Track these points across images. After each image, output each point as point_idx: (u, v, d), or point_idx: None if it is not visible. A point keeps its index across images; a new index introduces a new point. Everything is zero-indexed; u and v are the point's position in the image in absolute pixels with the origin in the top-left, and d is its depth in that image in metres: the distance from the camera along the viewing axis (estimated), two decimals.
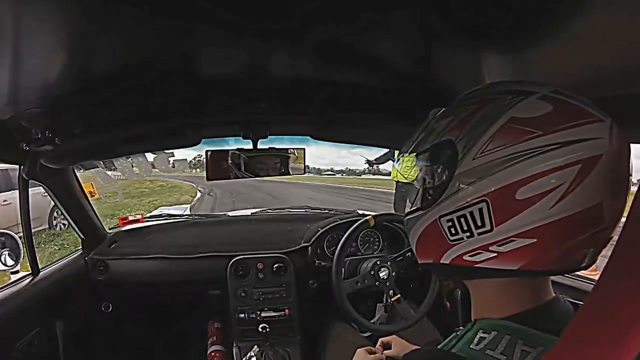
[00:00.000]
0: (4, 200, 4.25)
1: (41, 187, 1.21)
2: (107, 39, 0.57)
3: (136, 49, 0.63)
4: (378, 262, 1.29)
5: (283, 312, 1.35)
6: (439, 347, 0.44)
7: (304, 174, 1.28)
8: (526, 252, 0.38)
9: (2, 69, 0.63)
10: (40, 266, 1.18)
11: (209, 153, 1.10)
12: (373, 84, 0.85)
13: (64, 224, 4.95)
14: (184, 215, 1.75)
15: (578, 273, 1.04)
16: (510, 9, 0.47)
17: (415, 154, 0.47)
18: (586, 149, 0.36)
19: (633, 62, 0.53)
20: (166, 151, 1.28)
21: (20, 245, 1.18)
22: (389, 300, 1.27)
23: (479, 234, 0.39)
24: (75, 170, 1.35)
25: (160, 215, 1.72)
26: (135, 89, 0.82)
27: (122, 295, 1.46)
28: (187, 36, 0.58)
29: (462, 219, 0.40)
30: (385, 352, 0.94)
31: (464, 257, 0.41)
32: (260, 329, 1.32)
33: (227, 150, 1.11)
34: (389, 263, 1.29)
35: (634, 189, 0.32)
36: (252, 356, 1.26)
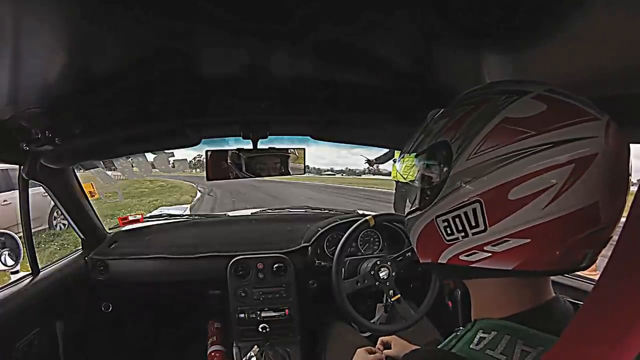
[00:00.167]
0: (4, 200, 4.25)
1: (41, 187, 1.21)
2: (107, 39, 0.57)
3: (136, 49, 0.63)
4: (378, 262, 1.29)
5: (283, 312, 1.35)
6: (439, 347, 0.44)
7: (304, 174, 1.28)
8: (521, 252, 0.38)
9: (2, 69, 0.63)
10: (40, 266, 1.18)
11: (209, 153, 1.10)
12: (373, 84, 0.85)
13: (64, 224, 4.95)
14: (184, 215, 1.75)
15: (578, 273, 1.04)
16: (511, 9, 0.47)
17: (413, 154, 0.48)
18: (580, 148, 0.36)
19: (633, 62, 0.53)
20: (166, 151, 1.28)
21: (20, 245, 1.18)
22: (389, 300, 1.27)
23: (474, 234, 0.40)
24: (75, 170, 1.35)
25: (160, 215, 1.72)
26: (136, 89, 0.82)
27: (122, 295, 1.46)
28: (187, 36, 0.58)
29: (457, 219, 0.40)
30: (385, 352, 0.94)
31: (460, 257, 0.41)
32: (260, 329, 1.32)
33: (227, 150, 1.11)
34: (389, 263, 1.29)
35: (633, 189, 0.32)
36: (252, 356, 1.26)
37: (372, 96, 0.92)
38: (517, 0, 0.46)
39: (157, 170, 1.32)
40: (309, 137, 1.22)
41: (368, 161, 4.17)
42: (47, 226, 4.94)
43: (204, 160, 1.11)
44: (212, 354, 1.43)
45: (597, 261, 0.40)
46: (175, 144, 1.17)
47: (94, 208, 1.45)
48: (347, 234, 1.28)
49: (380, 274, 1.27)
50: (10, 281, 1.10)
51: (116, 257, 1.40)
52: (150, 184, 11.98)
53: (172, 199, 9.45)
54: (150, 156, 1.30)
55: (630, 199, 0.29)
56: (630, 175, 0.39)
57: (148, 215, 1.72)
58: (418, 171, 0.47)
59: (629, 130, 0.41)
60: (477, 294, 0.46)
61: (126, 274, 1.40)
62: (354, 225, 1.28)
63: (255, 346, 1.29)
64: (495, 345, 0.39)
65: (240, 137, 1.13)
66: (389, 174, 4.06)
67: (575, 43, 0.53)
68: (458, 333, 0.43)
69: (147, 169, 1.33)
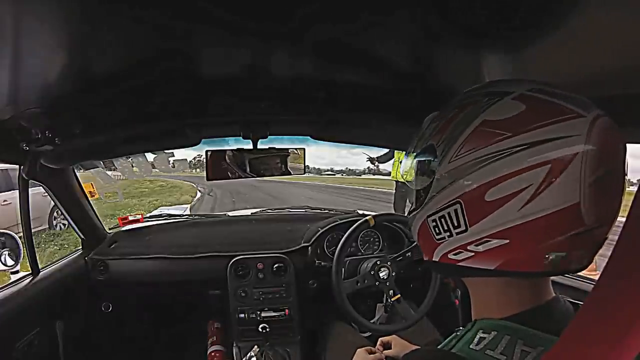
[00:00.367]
0: (4, 200, 4.25)
1: (41, 187, 1.21)
2: (107, 39, 0.57)
3: (136, 49, 0.63)
4: (378, 262, 1.29)
5: (283, 312, 1.35)
6: (439, 347, 0.44)
7: (304, 174, 1.28)
8: (501, 253, 0.38)
9: (2, 69, 0.62)
10: (40, 266, 1.18)
11: (209, 153, 1.10)
12: (373, 84, 0.85)
13: (64, 224, 4.96)
14: (184, 215, 1.76)
15: (578, 273, 1.04)
16: (511, 9, 0.47)
17: (410, 157, 0.50)
18: (557, 149, 0.35)
19: (634, 62, 0.53)
20: (166, 151, 1.28)
21: (20, 245, 1.18)
22: (389, 300, 1.27)
23: (457, 233, 0.41)
24: (75, 170, 1.35)
25: (160, 215, 1.72)
26: (136, 89, 0.82)
27: (122, 295, 1.46)
28: (187, 36, 0.58)
29: (442, 220, 0.42)
30: (385, 352, 0.94)
31: (449, 256, 0.42)
32: (260, 329, 1.32)
33: (227, 150, 1.11)
34: (389, 263, 1.29)
35: (633, 188, 0.31)
36: (252, 356, 1.26)
37: (372, 96, 0.92)
38: (517, 0, 0.46)
39: (157, 170, 1.32)
40: (309, 137, 1.21)
41: (370, 159, 4.20)
42: (47, 226, 4.94)
43: (204, 160, 1.11)
44: (212, 354, 1.43)
45: (597, 261, 0.40)
46: (175, 144, 1.17)
47: (94, 208, 1.45)
48: (347, 234, 1.28)
49: (380, 274, 1.27)
50: (10, 281, 1.10)
51: (116, 257, 1.40)
52: (150, 184, 11.99)
53: (172, 199, 9.45)
54: (150, 156, 1.30)
55: (630, 199, 0.29)
56: (626, 174, 0.38)
57: (148, 215, 1.72)
58: (413, 173, 0.49)
59: (630, 130, 0.41)
60: (476, 294, 0.46)
61: (126, 274, 1.40)
62: (354, 225, 1.28)
63: (255, 346, 1.29)
64: (495, 345, 0.39)
65: (240, 137, 1.13)
66: (389, 174, 4.07)
67: (576, 43, 0.53)
68: (458, 333, 0.43)
69: (147, 169, 1.32)
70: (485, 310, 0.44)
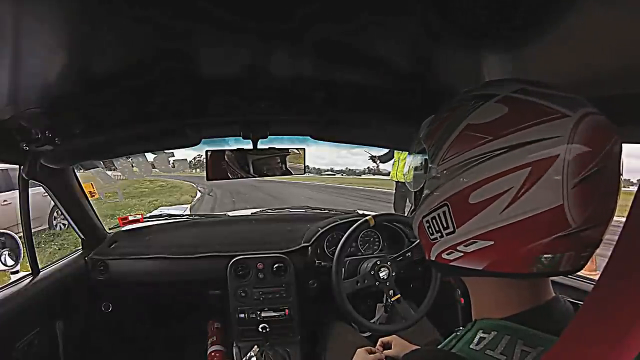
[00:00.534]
0: (4, 200, 4.26)
1: (41, 187, 1.21)
2: (107, 39, 0.57)
3: (136, 49, 0.63)
4: (378, 262, 1.29)
5: (283, 312, 1.35)
6: (439, 347, 0.44)
7: (304, 174, 1.28)
8: (487, 254, 0.39)
9: (2, 69, 0.62)
10: (40, 266, 1.18)
11: (209, 153, 1.10)
12: (373, 84, 0.85)
13: (64, 224, 4.96)
14: (184, 215, 1.75)
15: (578, 273, 1.04)
16: (511, 9, 0.47)
17: (408, 159, 0.52)
18: (538, 151, 0.35)
19: (633, 62, 0.53)
20: (166, 151, 1.28)
21: (20, 245, 1.18)
22: (389, 300, 1.27)
23: (447, 234, 0.42)
24: (75, 170, 1.35)
25: (160, 215, 1.72)
26: (136, 89, 0.82)
27: (122, 295, 1.46)
28: (187, 36, 0.58)
29: (433, 220, 0.43)
30: (385, 352, 0.94)
31: (442, 255, 0.43)
32: (260, 329, 1.32)
33: (227, 150, 1.11)
34: (389, 263, 1.29)
35: (633, 189, 0.30)
36: (252, 356, 1.26)
37: (372, 96, 0.92)
38: (517, 0, 0.46)
39: (157, 170, 1.32)
40: (309, 137, 1.21)
41: (372, 157, 4.23)
42: (47, 226, 4.94)
43: (204, 160, 1.11)
44: (212, 354, 1.43)
45: (597, 261, 0.40)
46: (175, 144, 1.17)
47: (94, 208, 1.45)
48: (347, 234, 1.28)
49: (380, 274, 1.27)
50: (10, 281, 1.10)
51: (116, 257, 1.40)
52: (150, 184, 12.00)
53: (172, 199, 9.46)
54: (150, 156, 1.30)
55: (630, 199, 0.29)
56: (622, 173, 0.38)
57: (148, 215, 1.72)
58: (411, 175, 0.51)
59: (629, 129, 0.40)
60: (475, 294, 0.46)
61: (126, 274, 1.40)
62: (354, 225, 1.28)
63: (255, 346, 1.29)
64: (495, 345, 0.39)
65: (240, 137, 1.13)
66: (389, 174, 4.09)
67: (576, 42, 0.53)
68: (458, 333, 0.43)
69: (147, 169, 1.32)
70: (485, 310, 0.44)
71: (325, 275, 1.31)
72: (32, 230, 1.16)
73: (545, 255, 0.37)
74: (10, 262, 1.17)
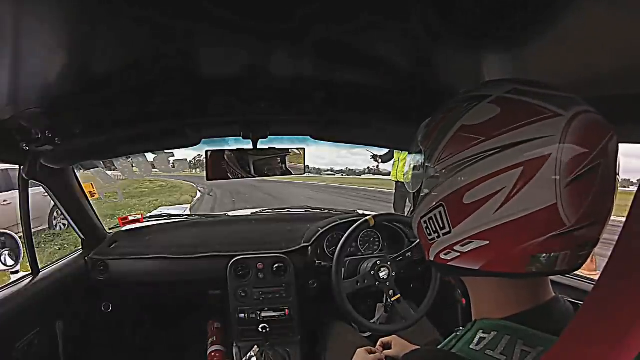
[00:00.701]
0: (4, 200, 4.26)
1: (41, 187, 1.21)
2: (107, 39, 0.57)
3: (136, 48, 0.63)
4: (378, 262, 1.29)
5: (283, 312, 1.35)
6: (439, 347, 0.44)
7: (304, 174, 1.28)
8: (482, 253, 0.39)
9: (2, 69, 0.63)
10: (40, 266, 1.18)
11: (209, 153, 1.11)
12: (373, 84, 0.85)
13: (64, 224, 4.96)
14: (184, 215, 1.75)
15: (578, 273, 1.04)
16: (511, 9, 0.47)
17: (407, 160, 0.52)
18: (529, 150, 0.36)
19: (633, 62, 0.53)
20: (166, 151, 1.28)
21: (20, 245, 1.18)
22: (389, 300, 1.27)
23: (443, 234, 0.42)
24: (75, 170, 1.35)
25: (160, 215, 1.72)
26: (135, 89, 0.82)
27: (122, 295, 1.46)
28: (187, 36, 0.58)
29: (430, 221, 0.44)
30: (385, 352, 0.94)
31: (440, 255, 0.44)
32: (260, 329, 1.32)
33: (227, 150, 1.11)
34: (389, 263, 1.29)
35: (633, 189, 0.30)
36: (252, 356, 1.26)
37: (372, 96, 0.92)
38: (516, 0, 0.46)
39: (157, 170, 1.32)
40: (309, 137, 1.21)
41: (374, 156, 4.25)
42: (47, 226, 4.94)
43: (204, 160, 1.11)
44: (212, 354, 1.43)
45: (597, 261, 0.40)
46: (175, 144, 1.17)
47: (94, 208, 1.45)
48: (347, 234, 1.28)
49: (380, 274, 1.27)
50: (10, 281, 1.10)
51: (116, 257, 1.39)
52: (150, 184, 12.00)
53: (172, 199, 9.46)
54: (150, 156, 1.30)
55: (630, 199, 0.29)
56: (618, 172, 0.38)
57: (148, 215, 1.72)
58: (409, 176, 0.51)
59: (629, 129, 0.40)
60: (475, 294, 0.47)
61: (126, 274, 1.40)
62: (354, 225, 1.28)
63: (255, 346, 1.29)
64: (495, 345, 0.39)
65: (240, 137, 1.13)
66: (389, 174, 4.11)
67: (575, 42, 0.53)
68: (458, 333, 0.43)
69: (147, 169, 1.32)
70: (485, 310, 0.44)
71: (325, 275, 1.31)
72: (32, 230, 1.16)
73: (541, 255, 0.37)
74: (10, 262, 1.17)
